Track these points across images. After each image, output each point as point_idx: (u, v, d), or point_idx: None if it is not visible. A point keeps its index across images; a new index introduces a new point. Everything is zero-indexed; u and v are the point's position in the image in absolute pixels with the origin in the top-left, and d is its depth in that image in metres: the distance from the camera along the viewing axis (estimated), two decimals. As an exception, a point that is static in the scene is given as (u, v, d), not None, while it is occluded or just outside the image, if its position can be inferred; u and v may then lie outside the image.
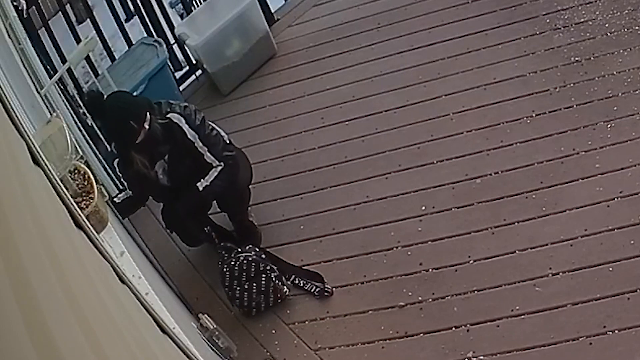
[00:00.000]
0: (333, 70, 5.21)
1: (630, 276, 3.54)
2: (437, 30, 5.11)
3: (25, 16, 4.58)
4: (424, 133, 4.55)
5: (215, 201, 4.33)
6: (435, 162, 4.39)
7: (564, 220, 3.86)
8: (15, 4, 4.42)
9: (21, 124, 1.93)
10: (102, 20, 5.70)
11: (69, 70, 5.08)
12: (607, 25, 4.63)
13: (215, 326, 3.76)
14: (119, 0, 6.02)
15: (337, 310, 4.00)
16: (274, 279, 4.05)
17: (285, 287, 4.10)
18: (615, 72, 4.37)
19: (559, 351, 3.44)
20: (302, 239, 4.35)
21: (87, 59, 5.09)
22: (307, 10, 5.73)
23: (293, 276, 4.15)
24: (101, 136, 4.72)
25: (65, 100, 4.54)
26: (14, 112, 1.89)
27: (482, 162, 4.27)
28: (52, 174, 2.17)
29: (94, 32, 5.45)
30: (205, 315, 3.83)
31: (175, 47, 5.67)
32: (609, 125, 4.14)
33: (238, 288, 4.05)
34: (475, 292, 3.78)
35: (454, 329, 3.70)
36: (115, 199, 4.15)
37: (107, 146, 4.50)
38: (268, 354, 3.95)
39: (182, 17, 6.35)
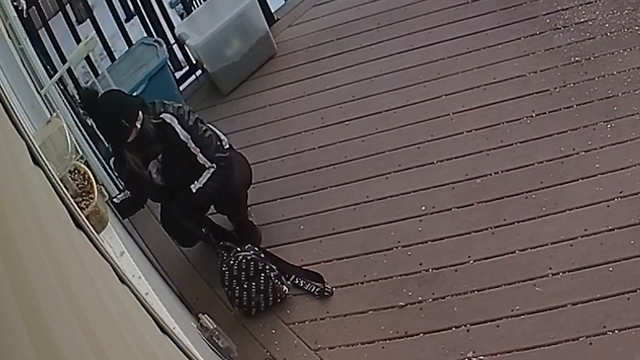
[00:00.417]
0: (333, 70, 5.21)
1: (630, 276, 3.54)
2: (437, 30, 5.11)
3: (25, 16, 4.58)
4: (424, 133, 4.55)
5: (212, 205, 4.33)
6: (435, 162, 4.39)
7: (564, 220, 3.86)
8: (15, 4, 4.42)
9: (21, 124, 1.93)
10: (102, 20, 5.70)
11: (69, 70, 5.08)
12: (607, 25, 4.63)
13: (215, 326, 3.76)
14: (119, 0, 6.02)
15: (337, 310, 4.00)
16: (273, 278, 4.04)
17: (284, 286, 4.10)
18: (615, 72, 4.37)
19: (559, 351, 3.44)
20: (302, 239, 4.35)
21: (87, 59, 5.09)
22: (307, 10, 5.73)
23: (293, 276, 4.15)
24: (101, 136, 4.72)
25: (65, 100, 4.54)
26: (14, 112, 1.89)
27: (482, 162, 4.27)
28: (52, 174, 2.17)
29: (94, 32, 5.45)
30: (205, 315, 3.83)
31: (175, 47, 5.67)
32: (609, 125, 4.14)
33: (237, 287, 4.05)
34: (475, 292, 3.78)
35: (454, 329, 3.70)
36: (114, 199, 4.16)
37: (107, 145, 4.51)
38: (268, 354, 3.95)
39: (182, 17, 6.35)
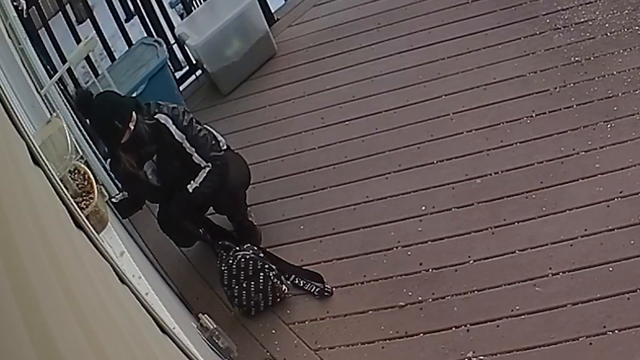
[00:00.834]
0: (333, 70, 5.21)
1: (630, 276, 3.54)
2: (437, 30, 5.11)
3: (25, 16, 4.58)
4: (424, 133, 4.55)
5: (211, 206, 4.33)
6: (435, 162, 4.39)
7: (564, 220, 3.86)
8: (15, 4, 4.42)
9: (21, 124, 1.93)
10: (102, 20, 5.70)
11: (69, 70, 5.08)
12: (607, 25, 4.63)
13: (215, 326, 3.76)
14: (119, 0, 6.02)
15: (337, 310, 4.00)
16: (272, 278, 4.04)
17: (284, 285, 4.10)
18: (615, 72, 4.37)
19: (559, 351, 3.44)
20: (302, 239, 4.35)
21: (87, 59, 5.09)
22: (307, 10, 5.73)
23: (293, 276, 4.15)
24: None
25: (65, 100, 4.54)
26: (14, 112, 1.89)
27: (482, 162, 4.27)
28: (52, 174, 2.17)
29: (94, 32, 5.45)
30: (205, 315, 3.83)
31: (175, 47, 5.67)
32: (609, 125, 4.14)
33: (236, 287, 4.05)
34: (475, 292, 3.78)
35: (454, 329, 3.70)
36: (112, 199, 4.16)
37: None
38: (268, 354, 3.95)
39: (182, 17, 6.35)
